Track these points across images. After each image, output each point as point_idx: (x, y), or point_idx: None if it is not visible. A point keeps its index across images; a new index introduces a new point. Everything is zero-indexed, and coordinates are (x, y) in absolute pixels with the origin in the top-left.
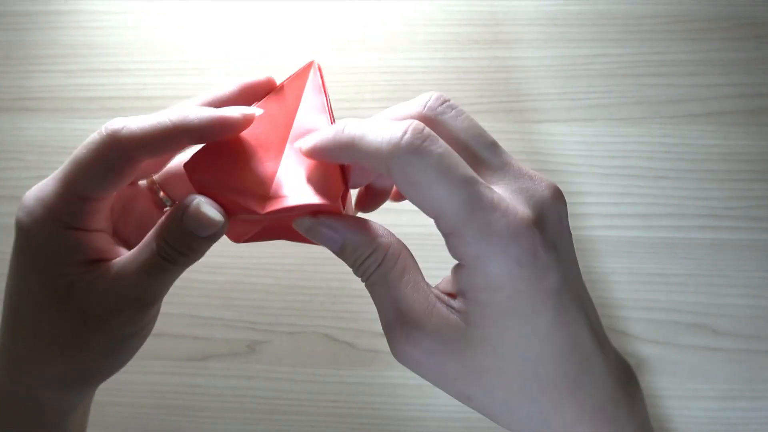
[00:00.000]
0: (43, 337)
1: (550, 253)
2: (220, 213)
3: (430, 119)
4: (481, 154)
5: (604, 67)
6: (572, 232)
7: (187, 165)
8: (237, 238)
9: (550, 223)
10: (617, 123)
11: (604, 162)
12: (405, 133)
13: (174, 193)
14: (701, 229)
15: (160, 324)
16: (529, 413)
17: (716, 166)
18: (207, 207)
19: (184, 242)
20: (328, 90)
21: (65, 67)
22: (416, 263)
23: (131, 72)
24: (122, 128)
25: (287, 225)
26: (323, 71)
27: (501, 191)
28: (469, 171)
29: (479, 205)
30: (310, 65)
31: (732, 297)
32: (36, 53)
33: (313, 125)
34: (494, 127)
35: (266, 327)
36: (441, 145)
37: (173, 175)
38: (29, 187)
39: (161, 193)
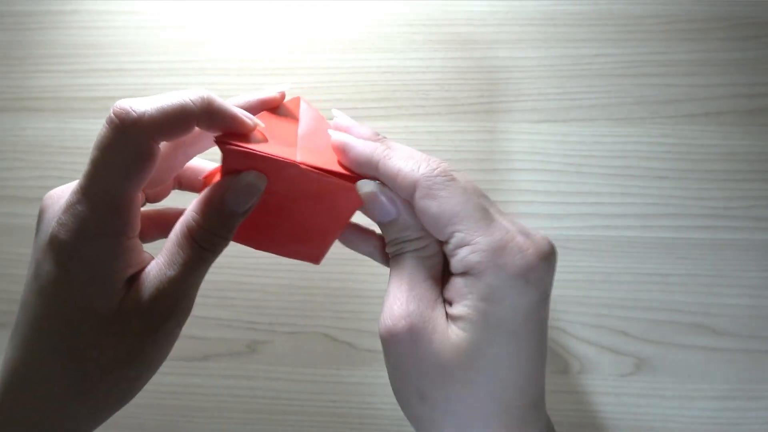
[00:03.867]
0: (92, 362)
1: (549, 287)
2: (260, 176)
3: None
4: (485, 204)
5: (603, 67)
6: (571, 232)
7: (219, 138)
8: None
9: (551, 265)
10: (617, 123)
11: (604, 162)
12: (438, 166)
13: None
14: (701, 229)
15: None
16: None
17: (716, 166)
18: (249, 175)
19: (223, 224)
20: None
21: (67, 67)
22: (442, 265)
23: (133, 72)
24: (143, 114)
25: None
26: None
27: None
28: (488, 205)
29: (497, 225)
30: (296, 100)
31: (732, 297)
32: (37, 53)
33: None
34: (494, 127)
35: (266, 327)
36: (467, 180)
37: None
38: (30, 187)
39: None
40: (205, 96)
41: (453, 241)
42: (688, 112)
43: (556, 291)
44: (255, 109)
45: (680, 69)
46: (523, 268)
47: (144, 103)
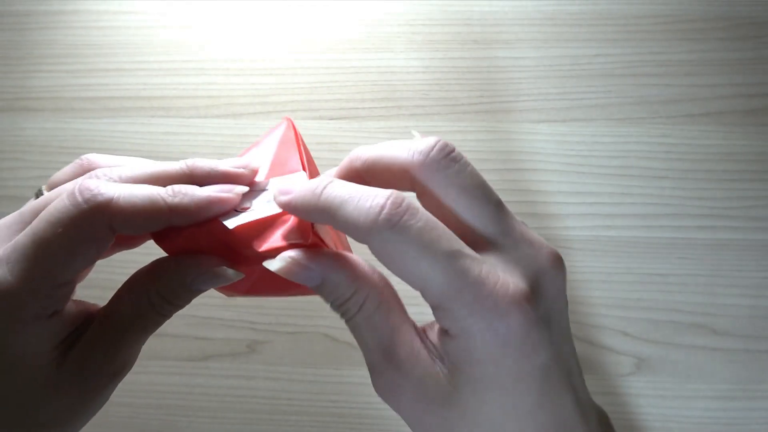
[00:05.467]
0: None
1: (542, 330)
2: (236, 271)
3: (432, 171)
4: (480, 218)
5: (603, 67)
6: (571, 232)
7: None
8: (230, 292)
9: (546, 296)
10: (617, 123)
11: (604, 162)
12: (383, 208)
13: None
14: (701, 229)
15: None
16: None
17: (716, 166)
18: (225, 269)
19: (185, 298)
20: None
21: (67, 67)
22: (400, 302)
23: (132, 72)
24: (110, 201)
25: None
26: (297, 127)
27: (494, 261)
28: (454, 243)
29: (465, 279)
30: (281, 124)
31: (732, 297)
32: (37, 53)
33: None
34: (494, 127)
35: (266, 327)
36: (421, 218)
37: None
38: (30, 187)
39: None
40: (176, 192)
41: (425, 298)
42: (688, 112)
43: None
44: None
45: (680, 69)
46: (499, 324)
47: (114, 189)
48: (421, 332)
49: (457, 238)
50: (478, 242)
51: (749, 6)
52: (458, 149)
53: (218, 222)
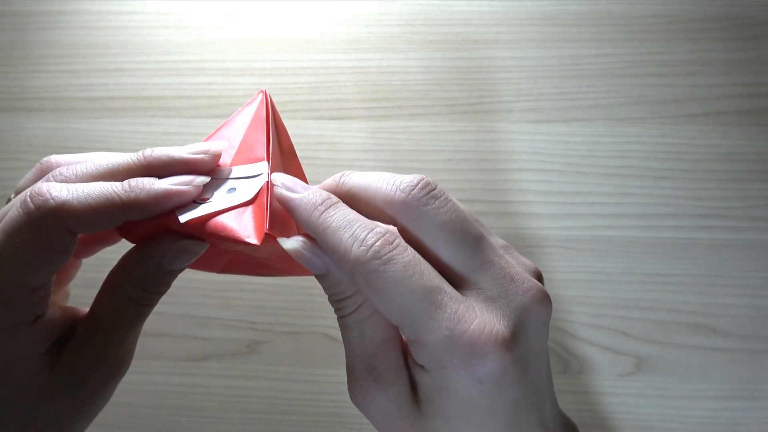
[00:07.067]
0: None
1: (518, 369)
2: (199, 242)
3: (413, 209)
4: (458, 254)
5: (603, 67)
6: (571, 232)
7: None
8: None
9: (527, 334)
10: (616, 123)
11: (604, 162)
12: (374, 243)
13: None
14: (701, 229)
15: (160, 324)
16: None
17: (715, 166)
18: (187, 242)
19: (162, 282)
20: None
21: (67, 67)
22: None
23: (132, 72)
24: (62, 205)
25: (255, 260)
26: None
27: (474, 299)
28: (435, 280)
29: (441, 314)
30: (256, 97)
31: (732, 297)
32: (37, 53)
33: (251, 166)
34: (494, 127)
35: (266, 327)
36: (408, 254)
37: None
38: None
39: None
40: (132, 187)
41: (403, 333)
42: (688, 112)
43: (557, 291)
44: (179, 167)
45: (680, 69)
46: (475, 365)
47: (65, 191)
48: (408, 352)
49: (439, 275)
50: (458, 280)
51: (749, 6)
52: (440, 187)
53: (173, 215)
